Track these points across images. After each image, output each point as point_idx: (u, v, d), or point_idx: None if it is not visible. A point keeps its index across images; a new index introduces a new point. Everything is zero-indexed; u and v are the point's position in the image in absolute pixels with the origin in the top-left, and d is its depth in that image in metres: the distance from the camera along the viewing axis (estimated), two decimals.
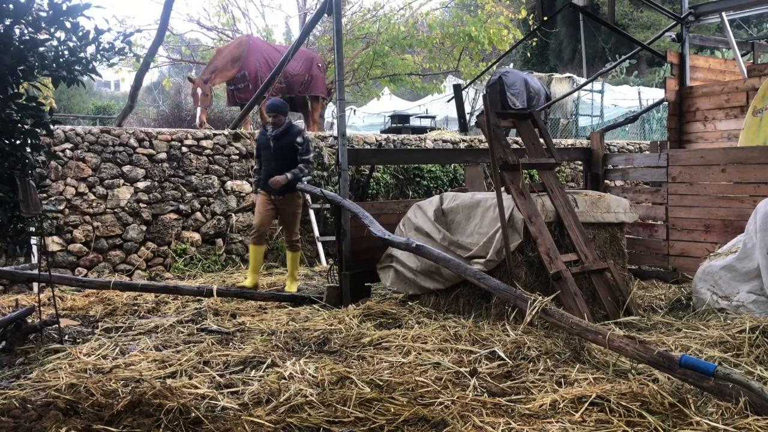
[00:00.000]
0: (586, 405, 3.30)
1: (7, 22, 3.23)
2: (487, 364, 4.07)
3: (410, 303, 5.86)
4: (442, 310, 5.59)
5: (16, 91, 3.38)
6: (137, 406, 3.31)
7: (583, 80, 17.89)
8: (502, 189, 5.28)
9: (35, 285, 6.90)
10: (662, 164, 7.11)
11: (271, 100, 7.07)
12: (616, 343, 3.80)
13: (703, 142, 8.42)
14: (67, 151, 7.75)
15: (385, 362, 4.18)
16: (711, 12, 8.78)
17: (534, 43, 22.56)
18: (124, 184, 8.06)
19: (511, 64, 26.40)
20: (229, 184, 8.71)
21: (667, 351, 4.03)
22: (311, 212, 9.03)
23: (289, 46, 9.69)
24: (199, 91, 10.66)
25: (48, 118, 3.50)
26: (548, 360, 4.08)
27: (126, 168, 8.09)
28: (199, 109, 10.67)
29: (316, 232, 8.94)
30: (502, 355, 4.19)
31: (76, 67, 3.51)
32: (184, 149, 8.49)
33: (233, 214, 8.73)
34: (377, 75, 15.82)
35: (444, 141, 10.75)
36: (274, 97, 11.84)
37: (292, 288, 6.85)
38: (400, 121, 14.73)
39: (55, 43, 3.47)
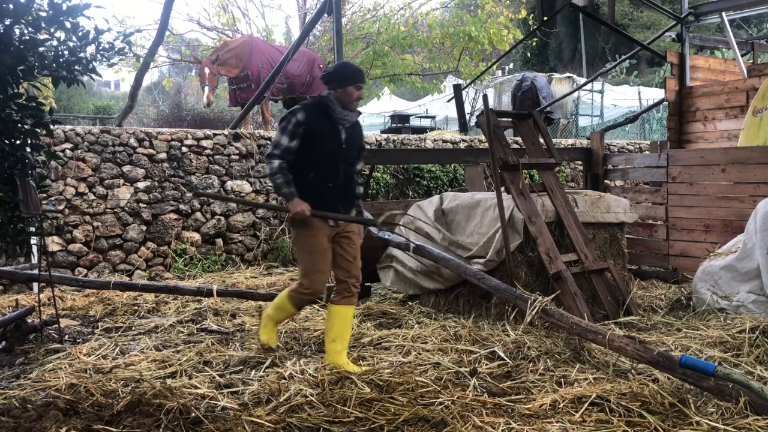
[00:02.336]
0: (586, 405, 3.30)
1: (7, 22, 3.23)
2: (487, 364, 4.07)
3: (410, 303, 5.86)
4: (442, 310, 5.59)
5: (16, 91, 3.39)
6: (137, 406, 3.31)
7: (583, 80, 17.89)
8: (502, 189, 5.28)
9: (35, 285, 6.89)
10: (662, 164, 7.11)
11: (350, 63, 4.72)
12: (616, 343, 3.80)
13: (703, 142, 8.42)
14: (67, 151, 7.75)
15: (385, 362, 4.18)
16: (711, 12, 8.78)
17: (534, 43, 22.56)
18: (124, 184, 8.06)
19: (511, 64, 26.42)
20: (229, 184, 8.71)
21: (667, 351, 4.03)
22: None
23: (289, 47, 9.69)
24: (206, 70, 10.67)
25: (48, 118, 3.51)
26: (548, 360, 4.08)
27: (126, 168, 8.09)
28: (207, 89, 10.68)
29: None
30: (502, 355, 4.19)
31: (76, 67, 3.51)
32: (184, 149, 8.49)
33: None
34: (377, 75, 15.82)
35: (444, 141, 10.75)
36: (275, 97, 11.89)
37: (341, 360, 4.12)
38: (400, 121, 14.73)
39: (55, 43, 3.47)
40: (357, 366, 4.07)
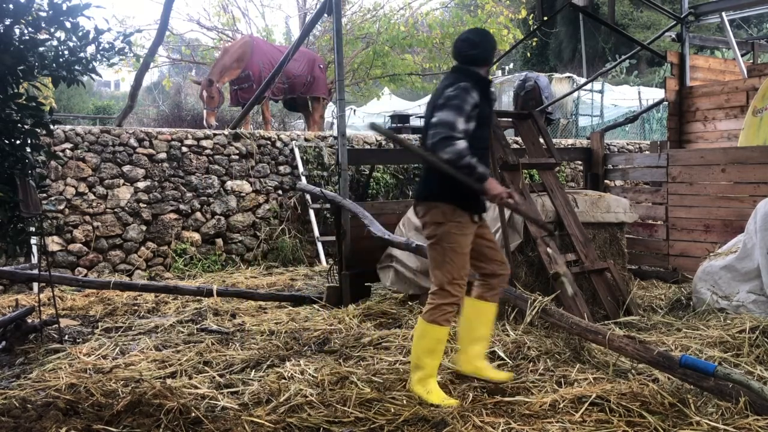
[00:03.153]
0: (586, 405, 3.30)
1: (7, 22, 3.23)
2: None
3: (410, 303, 5.86)
4: None
5: (16, 91, 3.39)
6: (137, 406, 3.31)
7: (583, 80, 17.90)
8: None
9: (35, 285, 6.90)
10: (662, 164, 7.11)
11: (483, 29, 4.01)
12: (616, 343, 3.80)
13: (703, 142, 8.42)
14: (67, 151, 7.75)
15: (385, 362, 4.18)
16: (711, 12, 8.77)
17: (534, 43, 22.57)
18: (124, 184, 8.06)
19: (511, 64, 26.42)
20: (229, 184, 8.71)
21: (667, 351, 4.03)
22: (311, 212, 9.04)
23: (290, 47, 9.70)
24: (204, 94, 10.79)
25: (48, 118, 3.51)
26: (548, 360, 4.08)
27: (126, 168, 8.09)
28: (205, 112, 10.81)
29: (316, 232, 8.95)
30: (502, 355, 4.19)
31: (76, 67, 3.51)
32: (184, 149, 8.50)
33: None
34: (377, 75, 15.83)
35: None
36: (275, 97, 11.91)
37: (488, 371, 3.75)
38: (400, 121, 14.71)
39: (55, 43, 3.47)
40: (497, 371, 3.74)
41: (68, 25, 3.37)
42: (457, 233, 3.54)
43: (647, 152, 9.19)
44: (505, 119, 6.12)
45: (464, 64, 3.69)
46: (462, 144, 3.37)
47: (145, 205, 8.16)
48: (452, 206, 3.51)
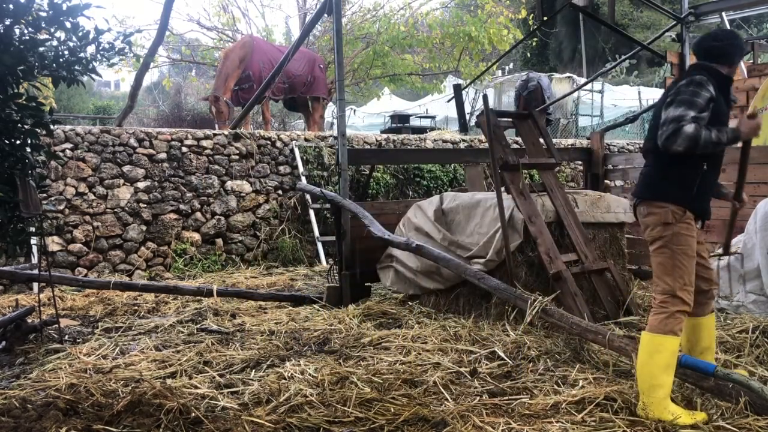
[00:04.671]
0: (586, 405, 3.30)
1: (7, 22, 3.23)
2: (487, 364, 4.07)
3: (410, 303, 5.86)
4: (442, 310, 5.59)
5: (16, 91, 3.38)
6: (137, 406, 3.31)
7: (583, 80, 17.90)
8: (502, 189, 5.27)
9: (35, 285, 6.90)
10: None
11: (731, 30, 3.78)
12: (616, 343, 3.80)
13: None
14: (67, 151, 7.75)
15: (385, 362, 4.18)
16: (711, 12, 8.77)
17: (534, 43, 22.59)
18: (124, 184, 8.06)
19: (511, 64, 26.44)
20: (229, 184, 8.71)
21: None
22: (311, 212, 9.04)
23: (290, 47, 9.70)
24: (213, 109, 11.02)
25: (48, 118, 3.50)
26: (548, 360, 4.08)
27: (126, 168, 8.09)
28: (217, 126, 11.01)
29: (316, 232, 8.95)
30: (502, 355, 4.19)
31: (76, 67, 3.51)
32: (184, 149, 8.49)
33: None
34: (377, 75, 15.84)
35: (444, 141, 10.75)
36: (276, 97, 11.92)
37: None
38: (400, 121, 14.74)
39: (55, 43, 3.47)
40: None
41: (68, 25, 3.37)
42: (688, 234, 3.34)
43: None
44: (505, 119, 6.12)
45: (704, 59, 3.44)
46: (689, 127, 3.12)
47: (145, 205, 8.16)
48: (683, 208, 3.34)
